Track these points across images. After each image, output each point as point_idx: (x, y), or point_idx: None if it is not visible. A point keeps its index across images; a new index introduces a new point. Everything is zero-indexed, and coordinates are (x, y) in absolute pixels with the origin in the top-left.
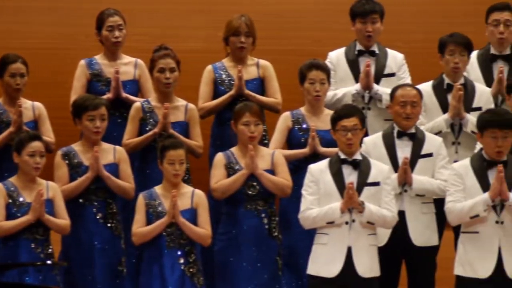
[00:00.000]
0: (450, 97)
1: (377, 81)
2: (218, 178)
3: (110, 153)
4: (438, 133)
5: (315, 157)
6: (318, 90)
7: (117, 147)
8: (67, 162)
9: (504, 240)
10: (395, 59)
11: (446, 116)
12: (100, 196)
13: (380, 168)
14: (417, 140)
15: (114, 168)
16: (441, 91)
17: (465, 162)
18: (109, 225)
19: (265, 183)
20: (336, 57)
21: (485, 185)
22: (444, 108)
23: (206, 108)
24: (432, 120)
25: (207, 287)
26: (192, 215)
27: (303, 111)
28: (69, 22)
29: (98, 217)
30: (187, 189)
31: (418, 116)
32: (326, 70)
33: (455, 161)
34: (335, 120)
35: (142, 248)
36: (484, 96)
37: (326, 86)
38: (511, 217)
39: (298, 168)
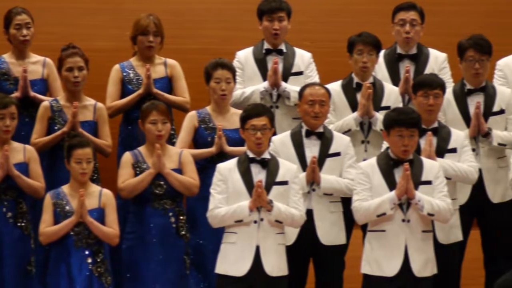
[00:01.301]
0: (359, 96)
1: (285, 80)
2: (125, 177)
3: (20, 152)
4: (348, 131)
5: (222, 156)
6: (224, 89)
7: (27, 146)
8: None
9: (410, 238)
10: (302, 57)
11: (355, 114)
12: (10, 195)
13: (288, 167)
14: (325, 139)
15: (24, 167)
16: (350, 90)
17: (372, 161)
18: (19, 224)
19: (172, 182)
20: (244, 56)
21: (391, 184)
22: (354, 107)
23: (115, 107)
24: (341, 119)
25: (115, 286)
26: (99, 214)
27: (209, 110)
28: None
29: (8, 216)
30: (95, 188)
31: (326, 115)
32: (231, 69)
33: (365, 160)
34: (244, 119)
35: (50, 248)
36: (393, 95)
37: (231, 85)
38: (417, 215)
39: (205, 168)
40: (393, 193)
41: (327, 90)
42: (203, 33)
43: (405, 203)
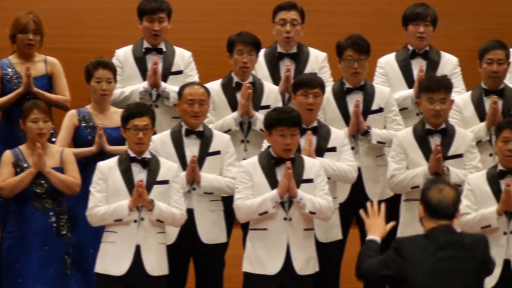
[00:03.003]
0: (239, 96)
1: (165, 79)
2: (6, 176)
3: None
4: (228, 131)
5: (102, 155)
6: (104, 89)
7: None
8: None
9: (292, 236)
10: (182, 57)
11: (235, 114)
12: None
13: (169, 166)
14: (205, 138)
15: None
16: (230, 90)
17: (253, 160)
18: None
19: (53, 181)
20: (124, 55)
21: (273, 182)
22: (233, 106)
23: None
24: (221, 118)
25: None
26: None
27: (89, 109)
28: None
29: None
30: None
31: (205, 114)
32: (112, 69)
33: (245, 159)
34: (126, 118)
35: None
36: (272, 94)
37: (112, 85)
38: (299, 214)
39: (85, 166)
40: (275, 191)
41: (206, 89)
42: (83, 32)
43: (287, 202)
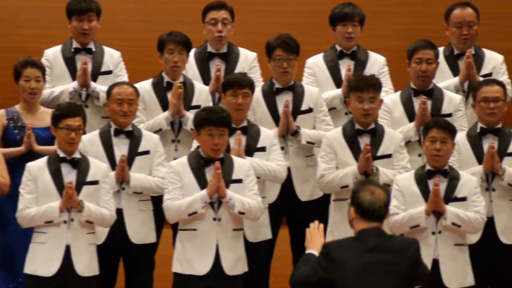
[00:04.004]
0: (170, 95)
1: (94, 79)
2: None
3: None
4: (159, 130)
5: (32, 155)
6: (33, 87)
7: None
8: None
9: (221, 236)
10: (112, 57)
11: (166, 114)
12: None
13: (98, 167)
14: (134, 137)
15: None
16: (161, 89)
17: (183, 160)
18: None
19: None
20: (53, 54)
21: (202, 183)
22: (164, 106)
23: None
24: (152, 118)
25: None
26: None
27: (18, 108)
28: None
29: None
30: None
31: (135, 114)
32: (41, 68)
33: (175, 159)
34: (58, 117)
35: None
36: (203, 94)
37: (41, 83)
38: (228, 214)
39: (14, 167)
40: (204, 191)
41: (135, 89)
42: (13, 32)
43: (216, 202)
